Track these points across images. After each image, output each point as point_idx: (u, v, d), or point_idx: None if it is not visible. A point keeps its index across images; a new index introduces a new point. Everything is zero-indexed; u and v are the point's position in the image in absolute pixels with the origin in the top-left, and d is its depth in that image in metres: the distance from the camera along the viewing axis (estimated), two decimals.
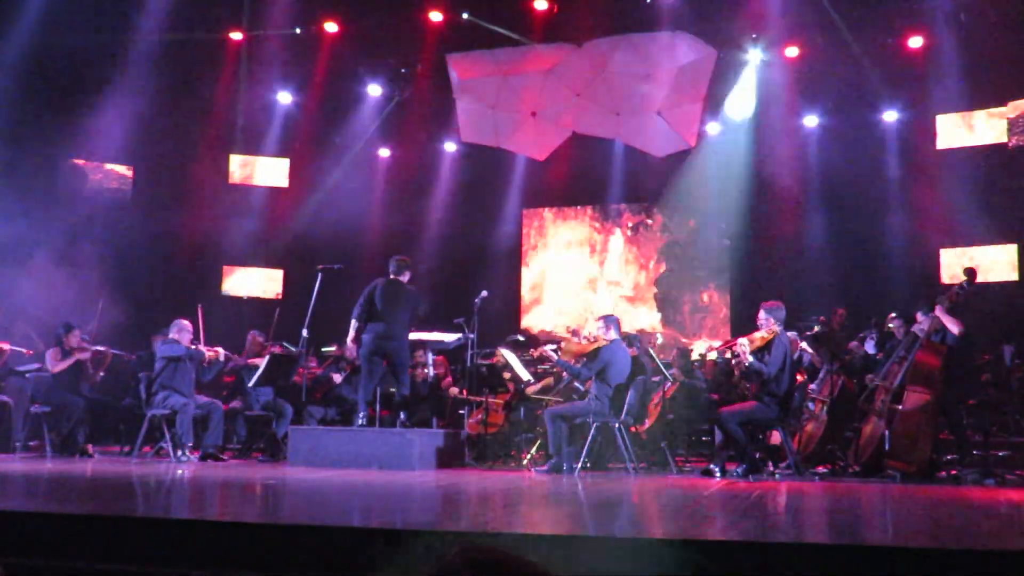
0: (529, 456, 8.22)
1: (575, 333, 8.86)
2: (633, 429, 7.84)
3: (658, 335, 12.78)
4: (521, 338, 10.88)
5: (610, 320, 7.60)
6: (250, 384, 8.86)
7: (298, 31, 11.75)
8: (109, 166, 12.19)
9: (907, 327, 7.55)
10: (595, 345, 7.40)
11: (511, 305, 13.73)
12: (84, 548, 3.28)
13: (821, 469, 7.64)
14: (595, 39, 11.25)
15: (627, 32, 11.17)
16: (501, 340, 9.70)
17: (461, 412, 8.92)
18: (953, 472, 7.10)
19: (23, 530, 3.39)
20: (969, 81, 11.03)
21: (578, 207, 14.01)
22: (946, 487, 6.26)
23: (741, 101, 11.66)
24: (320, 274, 8.58)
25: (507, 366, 8.66)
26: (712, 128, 12.63)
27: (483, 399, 8.59)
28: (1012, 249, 10.99)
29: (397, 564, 2.92)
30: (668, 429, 8.29)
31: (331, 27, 11.81)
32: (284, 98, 12.99)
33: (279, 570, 3.09)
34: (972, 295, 7.10)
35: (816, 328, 8.47)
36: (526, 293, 14.04)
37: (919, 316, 7.25)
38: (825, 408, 7.61)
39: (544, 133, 12.18)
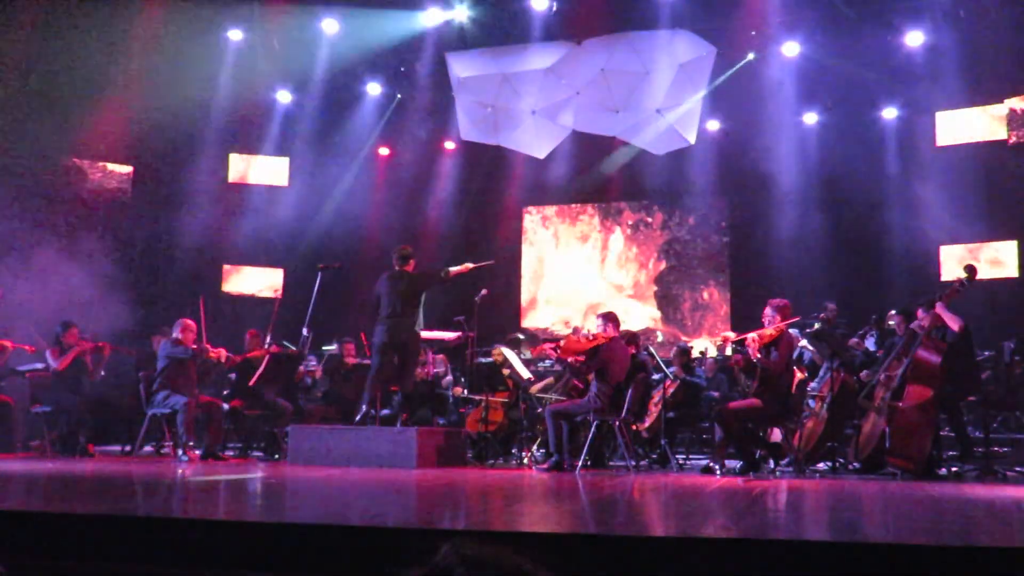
0: (530, 454, 8.22)
1: (575, 331, 8.85)
2: (634, 427, 7.84)
3: (658, 333, 12.79)
4: (521, 336, 10.88)
5: (609, 318, 7.60)
6: (250, 383, 8.87)
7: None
8: (109, 165, 12.19)
9: (907, 323, 7.54)
10: (594, 343, 7.40)
11: (511, 303, 13.73)
12: (84, 548, 3.28)
13: (821, 466, 7.64)
14: (595, 37, 11.25)
15: (627, 30, 11.16)
16: (501, 338, 9.70)
17: (462, 411, 8.93)
18: (954, 469, 7.11)
19: (23, 530, 3.39)
20: (969, 78, 11.03)
21: (578, 205, 14.01)
22: (946, 484, 6.26)
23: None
24: (320, 273, 8.58)
25: (506, 364, 8.66)
26: (712, 125, 12.63)
27: (483, 397, 8.59)
28: (1012, 245, 10.99)
29: (397, 563, 2.92)
30: (669, 427, 8.29)
31: (330, 26, 11.80)
32: (283, 97, 12.99)
33: (279, 570, 3.09)
34: (972, 292, 7.10)
35: (817, 325, 8.47)
36: (526, 291, 14.04)
37: (919, 313, 7.24)
38: (825, 405, 7.61)
39: (544, 131, 12.18)
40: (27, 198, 10.84)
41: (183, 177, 12.42)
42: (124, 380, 9.54)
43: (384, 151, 13.95)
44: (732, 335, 7.13)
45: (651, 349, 8.97)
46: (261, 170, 13.31)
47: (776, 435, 7.49)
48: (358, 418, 7.70)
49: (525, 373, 8.54)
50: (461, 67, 11.61)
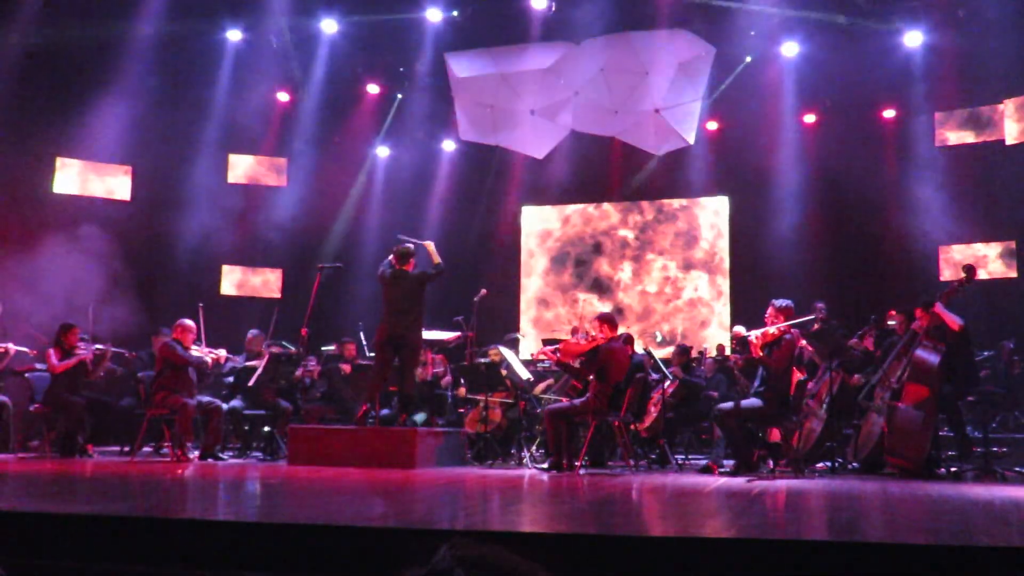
0: (529, 454, 8.22)
1: (574, 332, 8.85)
2: (633, 427, 7.85)
3: (657, 333, 12.78)
4: (520, 336, 10.89)
5: (606, 319, 7.60)
6: (249, 384, 8.87)
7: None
8: (108, 166, 12.19)
9: (908, 323, 7.55)
10: (593, 344, 7.40)
11: (510, 303, 13.73)
12: (84, 548, 3.28)
13: (821, 466, 7.65)
14: (593, 37, 11.26)
15: (625, 30, 11.17)
16: (500, 338, 9.70)
17: (461, 411, 8.93)
18: (953, 469, 7.11)
19: (23, 530, 3.39)
20: (967, 78, 11.04)
21: (577, 205, 14.01)
22: (945, 484, 6.26)
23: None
24: (319, 273, 8.58)
25: (504, 364, 8.66)
26: (711, 125, 12.64)
27: (482, 397, 8.59)
28: (1011, 246, 10.99)
29: (396, 563, 2.92)
30: (668, 427, 8.29)
31: (330, 26, 11.81)
32: (282, 97, 12.99)
33: (278, 570, 3.09)
34: (971, 292, 7.11)
35: (816, 325, 8.48)
36: (525, 291, 14.04)
37: (918, 312, 7.25)
38: (825, 405, 7.61)
39: (543, 131, 12.18)
40: (26, 198, 10.85)
41: (182, 177, 12.41)
42: (123, 381, 9.54)
43: (383, 151, 13.95)
44: (744, 330, 7.11)
45: (650, 349, 8.97)
46: (260, 170, 13.30)
47: (775, 435, 7.50)
48: (358, 417, 7.70)
49: (524, 374, 8.54)
50: (460, 67, 11.62)
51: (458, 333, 8.55)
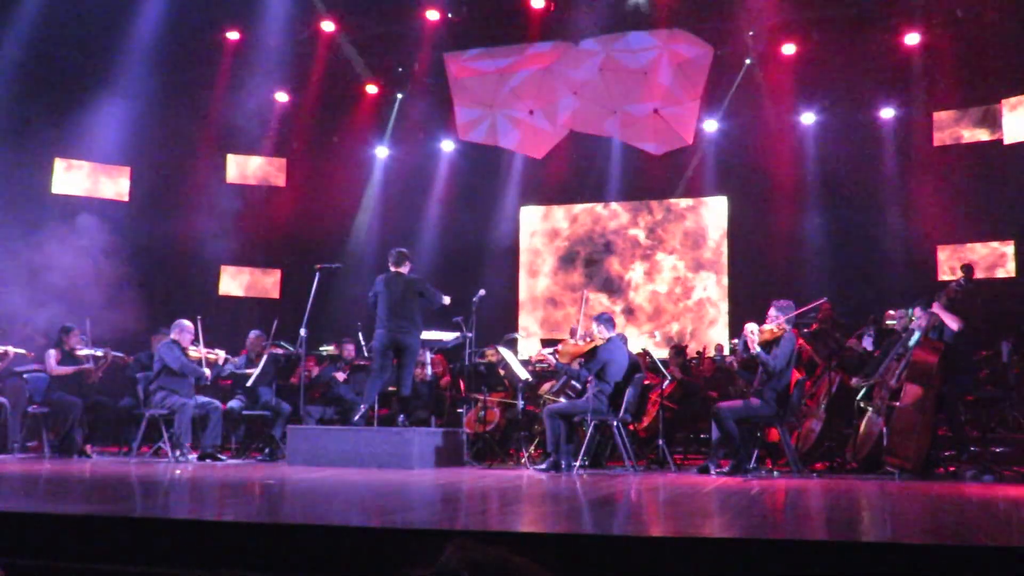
0: (527, 454, 8.22)
1: (573, 333, 8.85)
2: (631, 427, 7.85)
3: (655, 333, 12.79)
4: (518, 336, 10.88)
5: (605, 318, 7.60)
6: (248, 384, 8.87)
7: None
8: (106, 166, 12.18)
9: (910, 320, 7.56)
10: (592, 345, 7.40)
11: (509, 304, 13.73)
12: (83, 548, 3.28)
13: (819, 466, 7.65)
14: (592, 37, 11.26)
15: (624, 30, 11.17)
16: (499, 339, 9.70)
17: (459, 411, 8.92)
18: (951, 468, 7.12)
19: (22, 531, 3.38)
20: (965, 78, 11.04)
21: (576, 205, 14.01)
22: (944, 484, 6.27)
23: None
24: (318, 274, 8.57)
25: (502, 364, 8.65)
26: (709, 125, 12.64)
27: (481, 397, 8.59)
28: (1009, 245, 11.00)
29: (395, 564, 2.92)
30: (666, 427, 8.29)
31: (328, 26, 11.81)
32: (281, 97, 12.99)
33: (277, 570, 3.09)
34: (970, 291, 7.11)
35: (814, 325, 8.48)
36: (524, 292, 14.04)
37: (917, 312, 7.26)
38: (823, 405, 7.62)
39: (541, 131, 12.19)
40: (25, 199, 10.83)
41: (180, 177, 12.41)
42: (122, 381, 9.53)
43: (382, 151, 13.95)
44: (755, 327, 7.10)
45: (648, 349, 8.97)
46: (259, 170, 13.30)
47: (774, 435, 7.50)
48: (356, 418, 7.70)
49: (523, 374, 8.54)
50: (459, 67, 11.62)
51: (457, 333, 8.53)
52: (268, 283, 13.33)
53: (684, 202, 13.37)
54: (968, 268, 7.09)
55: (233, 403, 8.84)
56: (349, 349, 9.73)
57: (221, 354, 8.76)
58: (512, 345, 9.60)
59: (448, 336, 8.58)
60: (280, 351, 9.16)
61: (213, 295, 12.77)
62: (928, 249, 11.34)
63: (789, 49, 11.44)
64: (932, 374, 6.76)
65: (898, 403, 6.86)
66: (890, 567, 2.80)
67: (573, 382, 8.02)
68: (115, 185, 12.32)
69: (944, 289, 7.17)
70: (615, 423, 7.30)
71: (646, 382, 8.13)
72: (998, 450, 7.67)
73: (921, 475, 6.68)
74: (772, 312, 7.17)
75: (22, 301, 9.75)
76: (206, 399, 8.48)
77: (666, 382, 8.37)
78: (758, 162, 12.37)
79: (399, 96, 13.07)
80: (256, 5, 11.33)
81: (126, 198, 12.29)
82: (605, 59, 11.21)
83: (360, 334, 9.96)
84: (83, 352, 8.72)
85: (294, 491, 5.34)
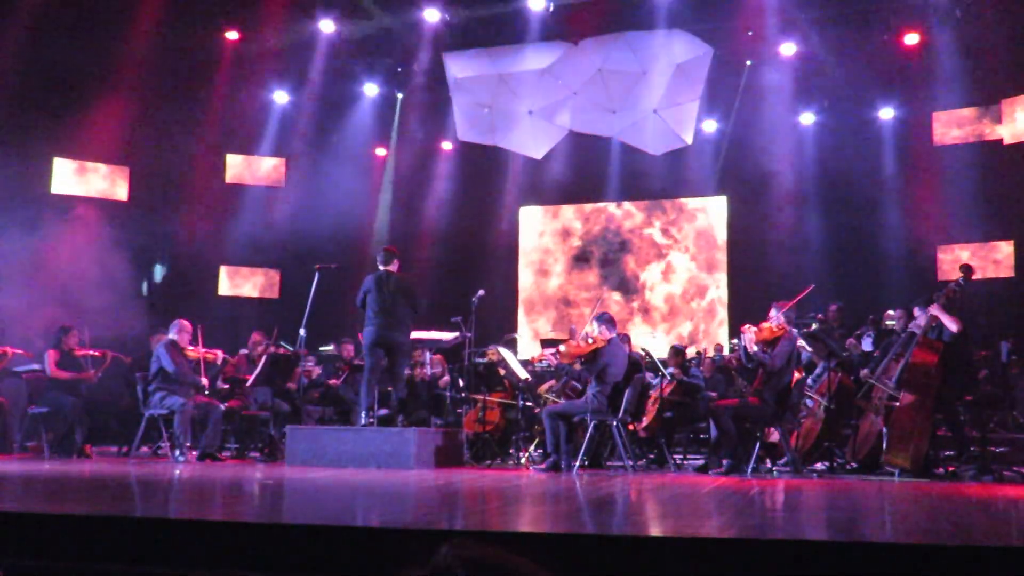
0: (527, 455, 8.22)
1: (572, 333, 8.85)
2: (631, 427, 7.84)
3: (654, 333, 12.79)
4: (517, 336, 10.88)
5: (605, 319, 7.60)
6: (247, 384, 8.87)
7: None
8: (106, 166, 12.18)
9: (908, 320, 7.56)
10: (593, 346, 7.39)
11: (508, 304, 13.73)
12: (82, 549, 3.28)
13: (819, 466, 7.65)
14: (591, 37, 11.26)
15: (623, 30, 11.17)
16: (498, 339, 9.70)
17: (459, 411, 8.92)
18: (950, 468, 7.11)
19: (21, 531, 3.38)
20: (965, 78, 11.05)
21: (575, 205, 14.01)
22: (943, 484, 6.27)
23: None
24: (317, 274, 8.57)
25: (502, 363, 8.65)
26: (708, 125, 12.64)
27: (481, 398, 8.59)
28: (1008, 246, 11.01)
29: (395, 564, 2.92)
30: (666, 427, 8.29)
31: (327, 26, 11.81)
32: (280, 97, 12.98)
33: (277, 570, 3.09)
34: (969, 292, 7.11)
35: (814, 325, 8.48)
36: (523, 292, 14.04)
37: (915, 312, 7.26)
38: (823, 405, 7.62)
39: (541, 131, 12.19)
40: (24, 198, 10.83)
41: (180, 177, 12.41)
42: (121, 381, 9.53)
43: (381, 151, 13.95)
44: (752, 327, 7.11)
45: (647, 349, 8.97)
46: (258, 170, 13.30)
47: (774, 435, 7.50)
48: (362, 421, 7.69)
49: (522, 374, 8.54)
50: (458, 67, 11.62)
51: (456, 333, 8.53)
52: (267, 283, 13.33)
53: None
54: (967, 268, 7.09)
55: (232, 403, 8.84)
56: (348, 349, 9.73)
57: (219, 354, 8.75)
58: (511, 345, 9.60)
59: (447, 336, 8.58)
60: (280, 351, 9.15)
61: (212, 295, 12.77)
62: (928, 249, 11.35)
63: (789, 49, 11.44)
64: (931, 374, 6.76)
65: (897, 403, 6.86)
66: (889, 567, 2.80)
67: (574, 382, 8.02)
68: (115, 185, 12.31)
69: (943, 289, 7.17)
70: (614, 423, 7.30)
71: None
72: (997, 450, 7.68)
73: (920, 475, 6.68)
74: (773, 313, 7.17)
75: (21, 301, 9.74)
76: (205, 399, 8.47)
77: (665, 382, 8.37)
78: (757, 162, 12.37)
79: (399, 96, 13.07)
80: (256, 5, 11.34)
81: (125, 198, 12.29)
82: (604, 59, 11.21)
83: (360, 334, 9.95)
84: (82, 352, 8.71)
85: (293, 491, 5.34)
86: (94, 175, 12.17)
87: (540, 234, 14.07)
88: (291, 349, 9.19)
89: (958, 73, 11.02)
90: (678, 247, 13.40)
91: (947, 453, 7.49)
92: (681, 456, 9.04)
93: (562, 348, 7.82)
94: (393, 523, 3.61)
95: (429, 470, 7.17)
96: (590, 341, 7.52)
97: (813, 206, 11.97)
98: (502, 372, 8.75)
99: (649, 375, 8.23)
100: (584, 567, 2.93)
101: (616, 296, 13.51)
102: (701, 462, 7.74)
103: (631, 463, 7.41)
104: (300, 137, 13.19)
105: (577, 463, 7.21)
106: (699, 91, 11.30)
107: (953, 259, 11.05)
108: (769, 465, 7.44)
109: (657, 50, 11.07)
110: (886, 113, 11.99)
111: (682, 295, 13.30)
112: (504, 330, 11.37)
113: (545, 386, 8.89)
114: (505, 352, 8.62)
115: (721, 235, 13.22)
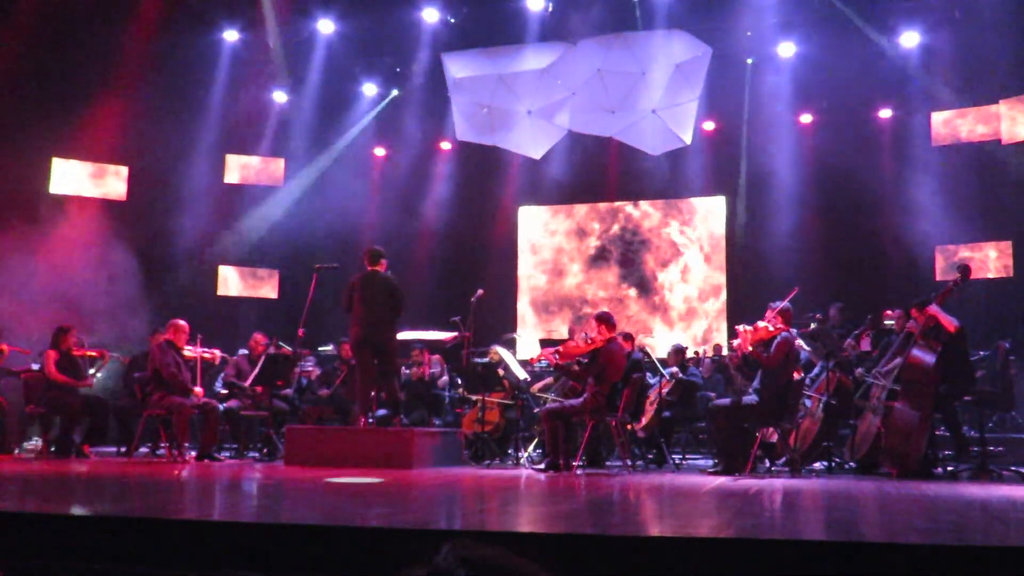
0: (526, 454, 8.22)
1: (572, 333, 8.85)
2: (630, 427, 7.85)
3: (653, 332, 12.80)
4: (516, 336, 10.88)
5: (604, 319, 7.60)
6: (246, 384, 8.87)
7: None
8: (105, 166, 12.18)
9: (906, 320, 7.57)
10: (593, 346, 7.40)
11: (507, 304, 13.74)
12: (81, 549, 3.28)
13: (817, 466, 7.66)
14: (590, 37, 11.27)
15: (622, 30, 11.18)
16: (497, 339, 9.71)
17: (459, 411, 8.93)
18: (949, 468, 7.13)
19: (20, 531, 3.38)
20: (963, 78, 11.07)
21: (574, 205, 14.01)
22: (942, 484, 6.27)
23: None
24: (316, 274, 8.58)
25: (502, 364, 8.66)
26: (707, 125, 12.65)
27: (480, 398, 8.59)
28: (1006, 246, 11.02)
29: (394, 564, 2.92)
30: (665, 426, 8.30)
31: (326, 26, 11.81)
32: (279, 97, 12.98)
33: (276, 570, 3.09)
34: (967, 292, 7.13)
35: (812, 325, 8.49)
36: (522, 292, 14.04)
37: (913, 312, 7.27)
38: (821, 405, 7.63)
39: (540, 131, 12.19)
40: (23, 199, 10.83)
41: (179, 178, 12.41)
42: (120, 381, 9.53)
43: (380, 151, 13.95)
44: (749, 328, 7.12)
45: (646, 348, 8.98)
46: (257, 171, 13.30)
47: (772, 434, 7.51)
48: (367, 422, 7.69)
49: (521, 374, 8.55)
50: (457, 67, 11.62)
51: (455, 333, 8.54)
52: (266, 283, 13.33)
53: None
54: (965, 268, 7.10)
55: (231, 403, 8.84)
56: (347, 349, 9.73)
57: (217, 353, 8.75)
58: (510, 345, 9.61)
59: (446, 336, 8.58)
60: (279, 351, 9.16)
61: (211, 295, 12.77)
62: (926, 249, 11.36)
63: (787, 49, 11.45)
64: (929, 374, 6.77)
65: (896, 403, 6.87)
66: (887, 567, 2.81)
67: (575, 383, 8.02)
68: (113, 185, 12.31)
69: (941, 289, 7.19)
70: (613, 423, 7.31)
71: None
72: (995, 450, 7.69)
73: (919, 475, 6.69)
74: (769, 314, 7.18)
75: (20, 301, 9.74)
76: (204, 399, 8.47)
77: (664, 381, 8.38)
78: (755, 163, 12.38)
79: (396, 96, 13.07)
80: (255, 5, 11.34)
81: (124, 198, 12.29)
82: (603, 59, 11.21)
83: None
84: (80, 352, 8.71)
85: (293, 491, 5.34)
86: (93, 175, 12.16)
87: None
88: (291, 349, 9.20)
89: (956, 73, 11.03)
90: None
91: (945, 453, 7.50)
92: (680, 456, 9.05)
93: (562, 348, 7.82)
94: (393, 523, 3.61)
95: (428, 470, 7.17)
96: (589, 341, 7.52)
97: (811, 206, 11.98)
98: (501, 373, 8.76)
99: (648, 375, 8.24)
100: (583, 567, 2.93)
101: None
102: (702, 462, 7.74)
103: (630, 463, 7.41)
104: (299, 137, 13.18)
105: (576, 463, 7.21)
106: (698, 91, 11.31)
107: (951, 259, 11.06)
108: (768, 465, 7.45)
109: (656, 50, 11.07)
110: (885, 113, 12.00)
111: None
112: (503, 330, 11.37)
113: (537, 385, 8.89)
114: (504, 352, 8.63)
115: (720, 235, 13.22)
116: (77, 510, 3.97)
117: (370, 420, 7.80)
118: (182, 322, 8.42)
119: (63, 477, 6.07)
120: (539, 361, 8.48)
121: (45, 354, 8.60)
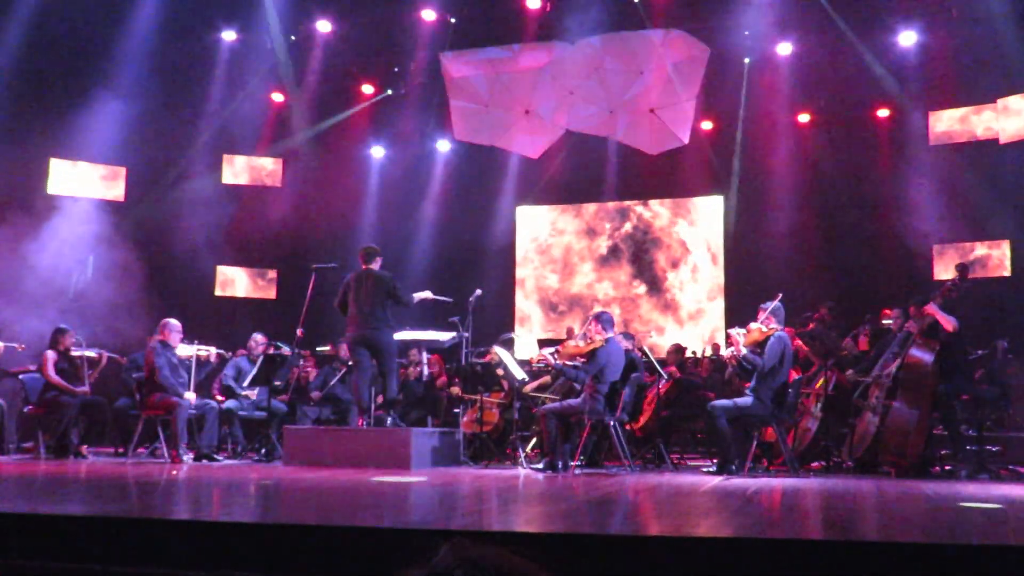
0: (524, 455, 8.22)
1: (570, 333, 8.85)
2: (628, 426, 7.85)
3: (652, 332, 12.80)
4: (515, 336, 10.88)
5: (604, 318, 7.60)
6: (244, 384, 8.86)
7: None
8: (103, 166, 12.17)
9: (904, 319, 7.58)
10: (592, 346, 7.39)
11: (505, 303, 13.73)
12: (80, 549, 3.27)
13: (816, 465, 7.66)
14: (588, 37, 11.27)
15: (620, 30, 11.18)
16: (495, 339, 9.70)
17: (456, 411, 8.92)
18: (947, 467, 7.13)
19: (18, 532, 3.38)
20: (961, 77, 11.07)
21: (572, 204, 14.01)
22: (940, 483, 6.28)
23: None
24: (314, 273, 8.58)
25: (500, 364, 8.65)
26: (705, 125, 12.65)
27: (478, 398, 8.59)
28: (1004, 245, 11.03)
29: (393, 564, 2.92)
30: (663, 426, 8.30)
31: (324, 26, 11.80)
32: (277, 98, 12.97)
33: (275, 570, 3.09)
34: (965, 291, 7.13)
35: (811, 325, 8.50)
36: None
37: (911, 311, 7.28)
38: (820, 404, 7.63)
39: (538, 131, 12.19)
40: (21, 199, 10.82)
41: (177, 178, 12.40)
42: (118, 382, 9.52)
43: (378, 151, 13.95)
44: (742, 330, 7.13)
45: (645, 348, 8.97)
46: (255, 171, 13.29)
47: (770, 434, 7.51)
48: (369, 422, 7.68)
49: (520, 374, 8.54)
50: (455, 67, 11.62)
51: (453, 333, 8.53)
52: (264, 283, 13.32)
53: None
54: (963, 267, 7.11)
55: (229, 404, 8.83)
56: (345, 349, 9.73)
57: (212, 351, 8.74)
58: (509, 345, 9.60)
59: (444, 336, 8.58)
60: (277, 351, 9.15)
61: (209, 295, 12.76)
62: (924, 248, 11.37)
63: (785, 49, 11.45)
64: (928, 373, 6.78)
65: (894, 402, 6.88)
66: (886, 566, 2.81)
67: (573, 383, 8.02)
68: (111, 185, 12.30)
69: (939, 289, 7.19)
70: (612, 423, 7.31)
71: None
72: (994, 449, 7.70)
73: (917, 474, 6.70)
74: (761, 316, 7.19)
75: (18, 301, 9.73)
76: (202, 399, 8.47)
77: (662, 381, 8.38)
78: (753, 162, 12.38)
79: (394, 96, 13.07)
80: (252, 5, 11.33)
81: (122, 198, 12.28)
82: (601, 59, 11.21)
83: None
84: (78, 353, 8.70)
85: (291, 491, 5.33)
86: (91, 175, 12.15)
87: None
88: (287, 349, 9.19)
89: (954, 72, 11.04)
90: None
91: (943, 452, 7.51)
92: (679, 456, 9.05)
93: (561, 349, 7.82)
94: (391, 523, 3.61)
95: (427, 470, 7.17)
96: (589, 341, 7.52)
97: (809, 205, 11.99)
98: (500, 373, 8.76)
99: (646, 374, 8.24)
100: (582, 567, 2.93)
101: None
102: (701, 462, 7.74)
103: (628, 463, 7.41)
104: (298, 137, 13.18)
105: (574, 463, 7.21)
106: (696, 90, 11.31)
107: (949, 258, 11.07)
108: (766, 464, 7.45)
109: (654, 50, 11.07)
110: (882, 112, 12.00)
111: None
112: (502, 330, 11.36)
113: (531, 386, 8.88)
114: (503, 353, 8.62)
115: (718, 235, 13.22)
116: (75, 510, 3.97)
117: (368, 419, 7.80)
118: (174, 321, 8.40)
119: (61, 478, 6.06)
120: (538, 361, 8.48)
121: (43, 355, 8.59)
